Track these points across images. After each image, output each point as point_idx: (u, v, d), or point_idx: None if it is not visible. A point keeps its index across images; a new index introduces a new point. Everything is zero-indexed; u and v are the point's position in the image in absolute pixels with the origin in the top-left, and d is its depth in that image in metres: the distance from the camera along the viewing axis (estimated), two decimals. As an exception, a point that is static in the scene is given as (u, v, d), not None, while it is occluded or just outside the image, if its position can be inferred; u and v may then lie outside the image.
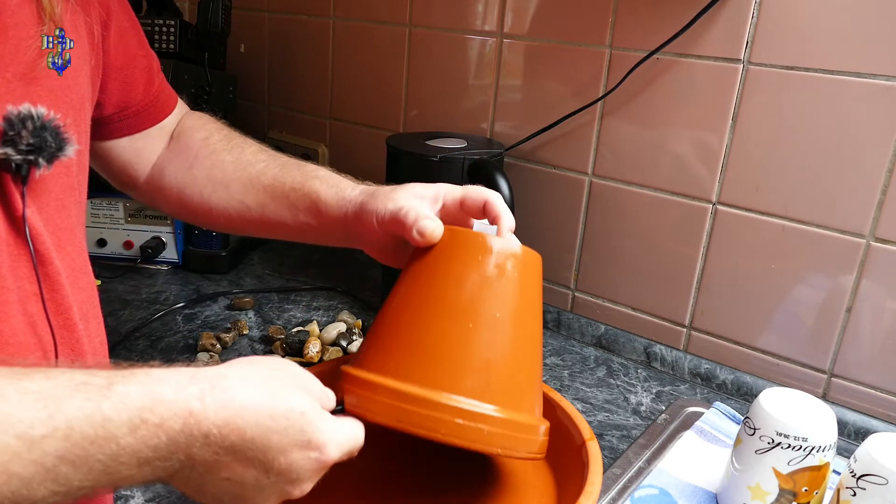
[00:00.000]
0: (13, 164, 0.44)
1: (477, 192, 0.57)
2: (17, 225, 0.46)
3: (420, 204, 0.56)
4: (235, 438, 0.38)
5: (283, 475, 0.41)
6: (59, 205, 0.50)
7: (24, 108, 0.44)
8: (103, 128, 0.64)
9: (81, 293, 0.52)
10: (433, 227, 0.52)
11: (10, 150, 0.43)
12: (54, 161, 0.46)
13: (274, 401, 0.40)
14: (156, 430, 0.36)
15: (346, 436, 0.45)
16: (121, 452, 0.35)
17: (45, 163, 0.45)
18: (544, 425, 0.52)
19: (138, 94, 0.64)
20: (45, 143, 0.45)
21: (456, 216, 0.59)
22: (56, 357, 0.48)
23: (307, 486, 0.43)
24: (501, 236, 0.55)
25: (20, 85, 0.45)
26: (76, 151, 0.48)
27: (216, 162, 0.67)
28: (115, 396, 0.36)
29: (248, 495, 0.41)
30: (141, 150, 0.68)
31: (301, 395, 0.42)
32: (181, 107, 0.73)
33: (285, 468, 0.40)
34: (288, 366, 0.45)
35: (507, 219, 0.56)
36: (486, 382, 0.48)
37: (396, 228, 0.55)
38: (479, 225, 0.55)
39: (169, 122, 0.70)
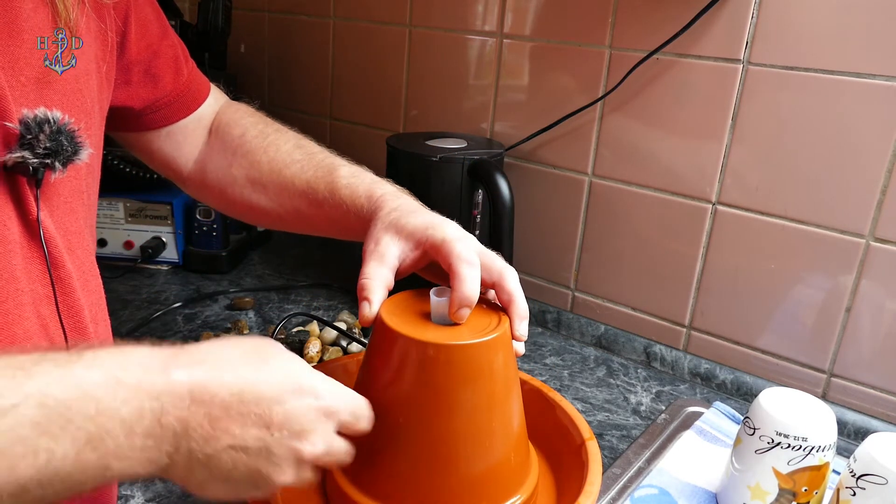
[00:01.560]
0: (30, 168, 0.44)
1: (448, 251, 0.51)
2: (32, 228, 0.46)
3: (389, 258, 0.53)
4: (224, 394, 0.37)
5: (285, 427, 0.39)
6: (67, 208, 0.50)
7: (41, 111, 0.44)
8: (137, 120, 0.64)
9: (91, 295, 0.52)
10: (365, 314, 0.51)
11: (27, 154, 0.44)
12: (69, 165, 0.46)
13: (256, 360, 0.40)
14: (135, 390, 0.35)
15: (345, 391, 0.44)
16: (101, 415, 0.33)
17: (61, 167, 0.45)
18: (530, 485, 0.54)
19: (167, 85, 0.64)
20: (62, 147, 0.45)
21: (434, 265, 0.55)
22: None
23: (317, 441, 0.40)
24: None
25: (34, 88, 0.45)
26: (88, 155, 0.49)
27: (253, 163, 0.66)
28: (85, 359, 0.35)
29: (259, 465, 0.39)
30: (181, 143, 0.68)
31: (290, 357, 0.42)
32: (217, 96, 0.72)
33: (284, 418, 0.39)
34: (274, 345, 0.44)
35: (463, 294, 0.49)
36: (470, 489, 0.50)
37: None
38: (434, 299, 0.51)
39: (206, 113, 0.69)
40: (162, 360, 0.37)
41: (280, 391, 0.39)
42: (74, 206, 0.51)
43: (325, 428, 0.41)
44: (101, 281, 0.56)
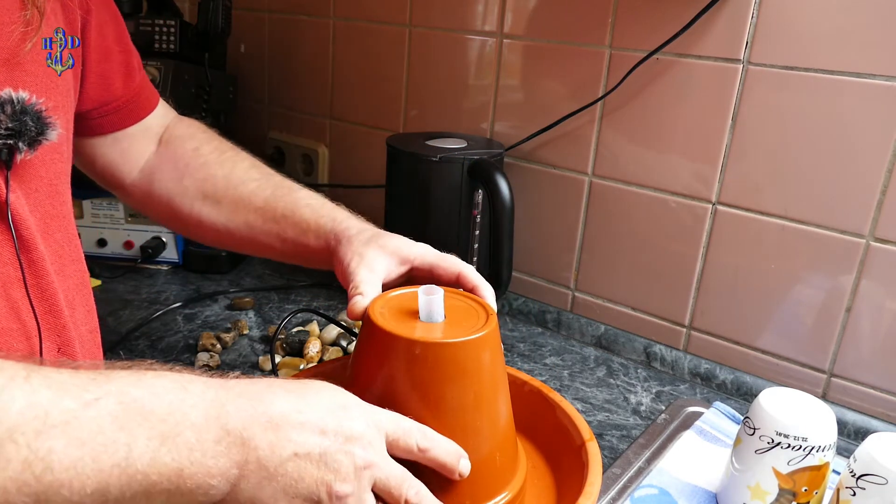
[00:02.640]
0: None
1: (450, 264, 0.58)
2: (1, 209, 0.45)
3: (378, 270, 0.55)
4: (280, 404, 0.40)
5: (339, 433, 0.40)
6: (51, 190, 0.49)
7: (5, 92, 0.44)
8: (86, 123, 0.63)
9: (68, 280, 0.51)
10: (357, 305, 0.52)
11: None
12: (37, 146, 0.45)
13: (300, 386, 0.43)
14: (201, 397, 0.37)
15: (392, 414, 0.45)
16: (172, 416, 0.35)
17: (27, 147, 0.45)
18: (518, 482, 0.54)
19: (117, 90, 0.63)
20: (26, 126, 0.44)
21: (427, 280, 0.59)
22: (40, 342, 0.48)
23: (367, 447, 0.41)
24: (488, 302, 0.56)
25: (3, 70, 0.45)
26: (64, 136, 0.48)
27: (207, 176, 0.66)
28: (152, 373, 0.37)
29: (322, 473, 0.39)
30: (126, 151, 0.67)
31: (332, 385, 0.45)
32: (167, 109, 0.72)
33: (337, 425, 0.41)
34: (314, 381, 0.45)
35: (486, 289, 0.57)
36: (456, 486, 0.49)
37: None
38: (423, 297, 0.52)
39: (154, 123, 0.69)
40: (218, 381, 0.40)
41: (329, 406, 0.42)
42: (60, 188, 0.50)
43: (374, 435, 0.42)
44: (84, 266, 0.55)
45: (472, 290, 0.58)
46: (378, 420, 0.43)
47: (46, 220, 0.49)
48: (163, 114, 0.71)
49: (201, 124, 0.72)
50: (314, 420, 0.40)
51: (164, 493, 0.35)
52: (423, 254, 0.59)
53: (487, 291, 0.57)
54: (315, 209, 0.62)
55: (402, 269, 0.58)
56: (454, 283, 0.58)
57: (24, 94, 0.44)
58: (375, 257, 0.56)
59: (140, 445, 0.34)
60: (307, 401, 0.41)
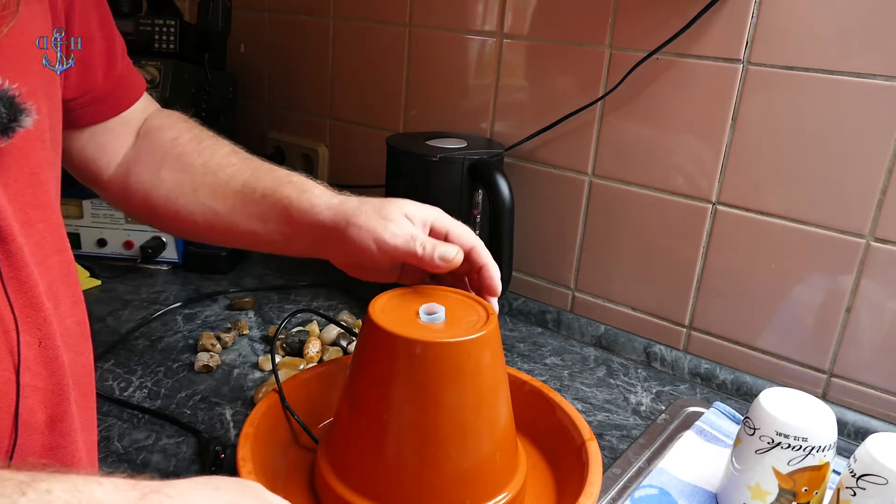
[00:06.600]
0: None
1: (465, 234, 0.57)
2: None
3: (410, 225, 0.56)
4: None
5: None
6: (33, 179, 0.48)
7: None
8: (63, 115, 0.60)
9: (51, 272, 0.49)
10: (454, 254, 0.53)
11: None
12: (10, 133, 0.44)
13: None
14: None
15: None
16: None
17: None
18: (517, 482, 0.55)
19: (98, 79, 0.61)
20: None
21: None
22: (17, 336, 0.45)
23: None
24: (492, 295, 0.58)
25: None
26: (46, 124, 0.46)
27: (185, 165, 0.64)
28: (34, 493, 0.31)
29: None
30: (104, 145, 0.65)
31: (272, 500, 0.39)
32: (149, 102, 0.70)
33: None
34: (254, 486, 0.39)
35: (493, 269, 0.57)
36: (456, 486, 0.50)
37: (405, 258, 0.55)
38: (424, 315, 0.53)
39: (134, 117, 0.67)
40: (126, 500, 0.33)
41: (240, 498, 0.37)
42: (44, 177, 0.49)
43: None
44: (69, 255, 0.53)
45: (479, 269, 0.57)
46: None
47: (27, 211, 0.47)
48: (144, 106, 0.68)
49: (181, 114, 0.70)
50: None
51: None
52: (438, 216, 0.58)
53: (495, 272, 0.57)
54: (296, 185, 0.60)
55: (425, 232, 0.57)
56: (467, 253, 0.57)
57: None
58: (409, 224, 0.56)
59: None
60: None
